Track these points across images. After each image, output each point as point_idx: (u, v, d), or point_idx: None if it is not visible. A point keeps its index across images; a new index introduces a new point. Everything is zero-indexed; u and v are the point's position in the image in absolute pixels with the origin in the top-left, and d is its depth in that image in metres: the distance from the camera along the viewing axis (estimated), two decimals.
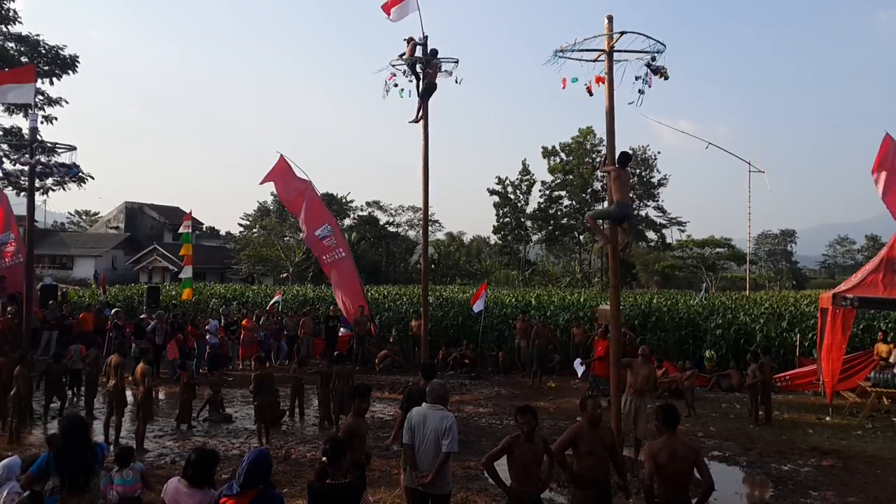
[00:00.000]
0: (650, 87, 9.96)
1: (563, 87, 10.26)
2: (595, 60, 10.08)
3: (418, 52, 16.06)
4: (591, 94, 10.14)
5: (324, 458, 5.20)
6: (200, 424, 13.23)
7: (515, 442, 6.31)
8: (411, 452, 6.71)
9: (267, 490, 4.90)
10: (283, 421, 13.43)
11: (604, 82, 10.05)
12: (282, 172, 21.30)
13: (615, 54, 9.95)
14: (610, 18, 9.89)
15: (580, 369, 14.69)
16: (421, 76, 15.94)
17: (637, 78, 9.90)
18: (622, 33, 9.76)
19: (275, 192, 24.82)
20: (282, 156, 21.29)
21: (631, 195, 10.15)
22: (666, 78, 9.91)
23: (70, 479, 5.59)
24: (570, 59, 9.99)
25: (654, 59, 9.88)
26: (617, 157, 9.84)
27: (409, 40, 16.03)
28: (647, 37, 9.71)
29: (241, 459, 5.16)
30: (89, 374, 13.65)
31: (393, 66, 16.37)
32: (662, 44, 9.78)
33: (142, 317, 20.09)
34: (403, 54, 16.04)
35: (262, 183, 21.51)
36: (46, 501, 5.70)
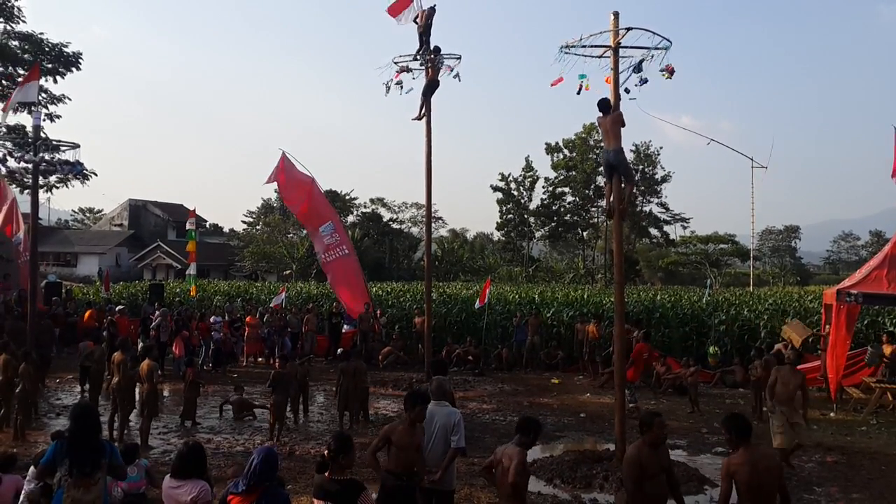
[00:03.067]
0: (645, 84, 9.93)
1: (553, 85, 10.27)
2: (601, 56, 10.05)
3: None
4: (587, 90, 10.13)
5: (325, 452, 5.22)
6: (204, 421, 13.25)
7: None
8: None
9: (273, 487, 4.90)
10: (288, 417, 13.40)
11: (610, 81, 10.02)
12: (284, 170, 21.30)
13: (621, 50, 9.92)
14: (616, 14, 9.85)
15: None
16: (428, 65, 15.93)
17: (636, 71, 9.86)
18: (628, 29, 9.73)
19: (278, 189, 24.84)
20: (284, 153, 21.29)
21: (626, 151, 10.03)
22: (670, 75, 9.87)
23: (78, 467, 5.59)
24: (575, 55, 9.96)
25: (651, 56, 9.86)
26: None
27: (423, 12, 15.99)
28: (654, 33, 9.68)
29: (245, 456, 5.16)
30: (94, 371, 13.66)
31: (396, 63, 16.38)
32: (668, 40, 9.74)
33: (149, 314, 20.12)
34: (418, 51, 16.01)
35: (267, 182, 21.53)
36: (55, 494, 5.72)
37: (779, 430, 10.19)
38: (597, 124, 9.97)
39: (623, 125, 9.74)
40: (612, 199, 10.04)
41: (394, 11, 16.24)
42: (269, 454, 4.95)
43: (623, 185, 10.00)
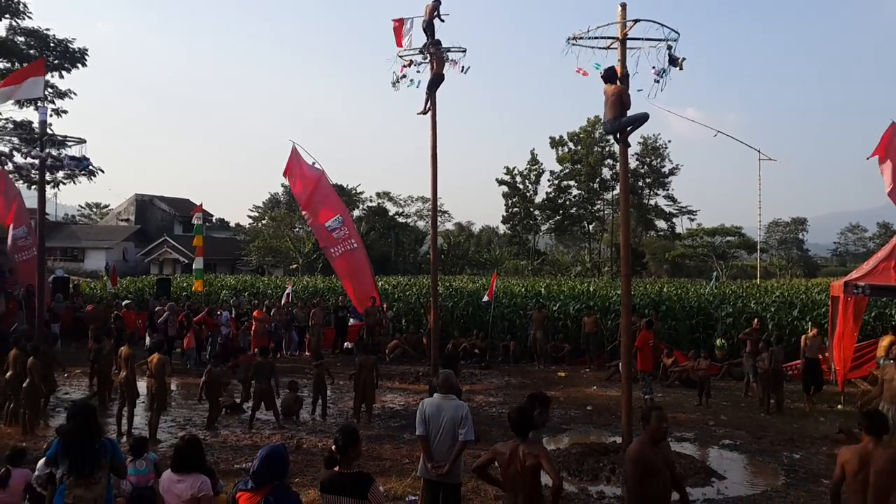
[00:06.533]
0: (665, 78, 9.85)
1: (584, 74, 10.15)
2: (608, 48, 10.01)
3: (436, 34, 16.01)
4: (584, 75, 10.06)
5: (333, 447, 5.19)
6: (224, 418, 13.25)
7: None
8: (426, 443, 6.71)
9: (282, 486, 4.89)
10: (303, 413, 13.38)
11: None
12: (295, 162, 21.27)
13: (628, 42, 9.87)
14: (623, 6, 9.81)
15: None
16: (432, 59, 15.94)
17: (659, 73, 9.76)
18: (636, 21, 9.68)
19: (286, 182, 24.84)
20: (294, 145, 21.26)
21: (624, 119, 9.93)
22: (681, 68, 9.81)
23: (76, 466, 5.60)
24: (582, 46, 9.92)
25: (670, 48, 9.78)
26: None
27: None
28: (661, 25, 9.62)
29: (252, 449, 5.18)
30: (103, 367, 13.73)
31: (401, 56, 16.38)
32: (676, 32, 9.69)
33: (157, 309, 20.18)
34: (424, 45, 16.01)
35: (285, 174, 21.52)
36: (59, 488, 5.74)
37: None
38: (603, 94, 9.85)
39: (626, 104, 9.65)
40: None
41: (398, 42, 16.46)
42: (271, 453, 4.92)
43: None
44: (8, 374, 11.93)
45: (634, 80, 9.89)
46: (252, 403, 12.46)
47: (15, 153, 14.99)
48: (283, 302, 23.62)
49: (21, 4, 30.40)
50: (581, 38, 9.88)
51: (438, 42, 15.94)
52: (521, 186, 66.89)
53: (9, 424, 11.94)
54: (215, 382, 12.36)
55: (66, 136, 15.64)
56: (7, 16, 30.31)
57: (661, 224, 68.90)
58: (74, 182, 32.65)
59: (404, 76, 16.35)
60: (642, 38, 9.82)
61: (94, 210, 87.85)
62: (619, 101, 9.59)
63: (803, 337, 15.78)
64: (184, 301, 22.81)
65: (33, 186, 22.10)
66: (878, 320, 18.25)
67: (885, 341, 15.46)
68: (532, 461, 5.52)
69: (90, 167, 26.58)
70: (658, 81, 9.72)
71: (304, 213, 23.18)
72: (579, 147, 64.87)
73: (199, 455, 5.46)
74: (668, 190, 67.21)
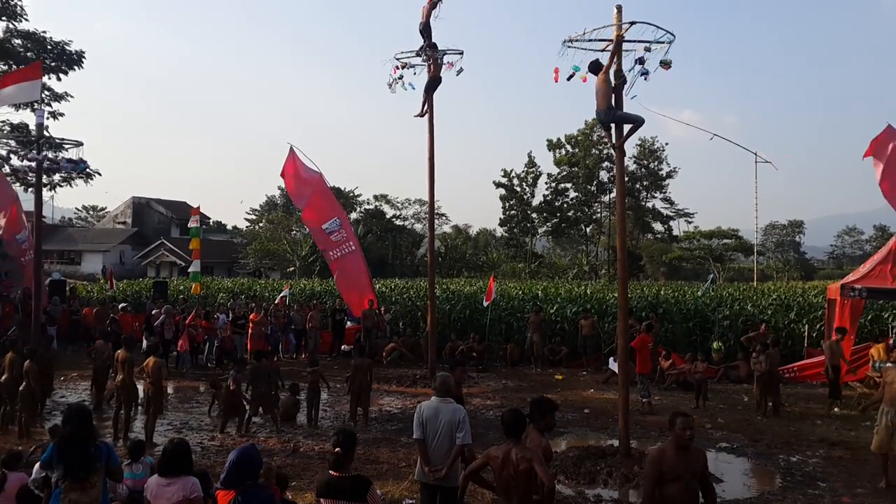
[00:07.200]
0: (646, 79, 9.92)
1: (556, 80, 10.25)
2: (604, 51, 10.04)
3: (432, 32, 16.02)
4: (584, 81, 10.13)
5: (337, 449, 5.18)
6: (206, 417, 13.25)
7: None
8: (424, 447, 6.70)
9: (253, 485, 4.94)
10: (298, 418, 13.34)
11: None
12: (292, 164, 21.28)
13: (624, 44, 9.90)
14: (619, 8, 9.83)
15: (615, 366, 14.03)
16: (429, 61, 15.95)
17: (639, 67, 9.84)
18: (631, 23, 9.71)
19: (283, 185, 24.83)
20: (292, 147, 21.27)
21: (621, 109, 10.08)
22: (668, 67, 9.86)
23: (71, 470, 5.58)
24: (579, 49, 9.96)
25: (649, 49, 9.84)
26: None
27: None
28: (657, 27, 9.66)
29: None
30: (99, 369, 13.70)
31: (397, 59, 16.40)
32: (672, 34, 9.73)
33: (154, 312, 20.13)
34: (421, 47, 16.01)
35: (282, 175, 21.53)
36: (54, 492, 5.73)
37: (875, 431, 9.77)
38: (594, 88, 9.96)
39: (613, 88, 9.70)
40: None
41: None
42: (239, 458, 4.96)
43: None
44: (3, 377, 11.89)
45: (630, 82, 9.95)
46: (250, 407, 12.44)
47: (12, 156, 14.93)
48: (276, 303, 23.58)
49: (18, 7, 30.39)
50: (577, 41, 9.92)
51: (435, 45, 15.97)
52: (518, 189, 66.97)
53: (4, 428, 11.91)
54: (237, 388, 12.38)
55: (63, 139, 15.64)
56: (4, 18, 30.29)
57: (659, 227, 69.04)
58: (71, 185, 32.65)
59: (401, 78, 16.37)
60: (638, 41, 9.87)
61: (91, 213, 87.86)
62: (608, 88, 9.69)
63: (828, 342, 15.70)
64: (180, 304, 22.76)
65: (30, 189, 22.08)
66: (874, 323, 18.27)
67: (877, 351, 15.43)
68: (525, 465, 5.46)
69: (87, 170, 26.56)
70: (646, 73, 9.82)
71: (303, 214, 23.22)
72: (577, 150, 64.96)
73: (188, 458, 5.45)
74: (665, 192, 67.34)
